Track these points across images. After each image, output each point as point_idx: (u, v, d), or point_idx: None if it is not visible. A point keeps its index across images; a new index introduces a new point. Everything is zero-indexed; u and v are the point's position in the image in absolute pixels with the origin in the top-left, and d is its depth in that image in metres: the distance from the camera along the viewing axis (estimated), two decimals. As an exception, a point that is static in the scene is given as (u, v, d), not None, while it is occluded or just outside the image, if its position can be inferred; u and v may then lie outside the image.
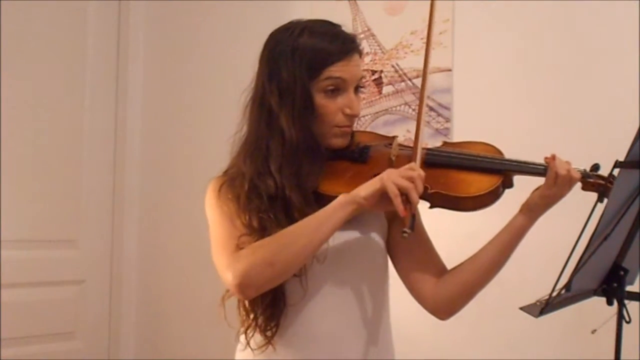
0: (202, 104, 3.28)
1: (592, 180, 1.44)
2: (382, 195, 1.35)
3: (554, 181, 1.41)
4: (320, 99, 1.45)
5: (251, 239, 1.41)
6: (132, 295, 3.48)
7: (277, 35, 1.50)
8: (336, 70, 1.44)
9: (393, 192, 1.33)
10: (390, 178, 1.35)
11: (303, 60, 1.44)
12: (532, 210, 1.44)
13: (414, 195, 1.34)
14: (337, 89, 1.46)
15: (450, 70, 2.61)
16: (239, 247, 1.40)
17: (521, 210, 1.46)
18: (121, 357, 3.44)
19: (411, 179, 1.34)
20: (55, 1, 3.25)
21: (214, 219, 1.48)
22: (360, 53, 1.50)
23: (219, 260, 1.42)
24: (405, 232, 1.32)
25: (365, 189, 1.37)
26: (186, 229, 3.25)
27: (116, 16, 3.48)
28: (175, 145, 3.40)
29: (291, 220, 1.41)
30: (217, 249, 1.44)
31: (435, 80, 2.63)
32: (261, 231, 1.41)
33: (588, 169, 1.46)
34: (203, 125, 3.26)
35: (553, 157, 1.43)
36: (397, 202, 1.33)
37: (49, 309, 3.22)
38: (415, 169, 1.37)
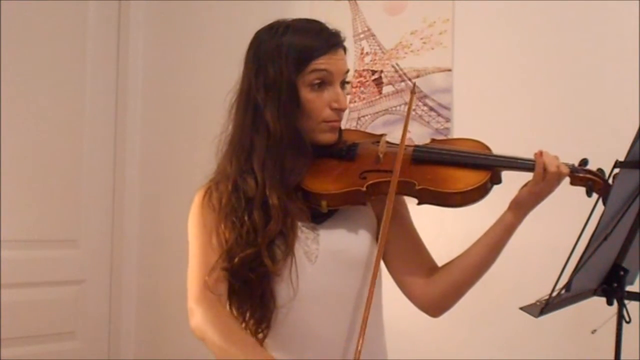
0: (202, 104, 3.27)
1: (581, 175, 1.44)
2: None
3: (543, 176, 1.40)
4: (306, 94, 1.45)
5: (223, 265, 1.43)
6: (132, 295, 3.48)
7: (261, 34, 1.51)
8: (321, 63, 1.45)
9: None
10: None
11: (289, 56, 1.44)
12: (521, 206, 1.44)
13: None
14: (323, 83, 1.46)
15: (450, 70, 2.61)
16: (208, 284, 1.42)
17: (510, 207, 1.45)
18: (121, 357, 3.44)
19: None
20: (55, 1, 3.25)
21: (192, 239, 1.52)
22: (344, 49, 1.51)
23: (189, 289, 1.46)
24: None
25: None
26: (186, 229, 3.24)
27: (116, 16, 3.48)
28: (176, 145, 3.40)
29: (268, 220, 1.42)
30: (189, 276, 1.48)
31: (435, 80, 2.63)
32: (233, 249, 1.43)
33: (576, 164, 1.46)
34: (203, 125, 3.24)
35: (541, 153, 1.42)
36: None
37: (49, 309, 3.22)
38: None
